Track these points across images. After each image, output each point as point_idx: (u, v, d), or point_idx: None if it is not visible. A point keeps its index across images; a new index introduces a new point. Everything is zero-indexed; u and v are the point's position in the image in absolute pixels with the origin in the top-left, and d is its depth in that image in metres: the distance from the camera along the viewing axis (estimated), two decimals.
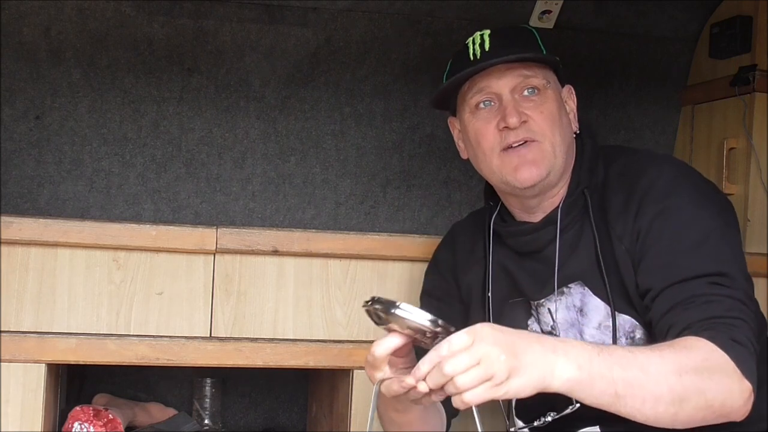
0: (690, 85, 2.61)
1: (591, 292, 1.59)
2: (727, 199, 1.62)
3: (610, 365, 1.32)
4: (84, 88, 2.36)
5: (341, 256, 1.93)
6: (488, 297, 1.69)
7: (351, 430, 1.94)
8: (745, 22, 2.37)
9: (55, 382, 1.92)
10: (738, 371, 1.36)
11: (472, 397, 1.26)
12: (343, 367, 1.94)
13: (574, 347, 1.32)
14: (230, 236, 1.87)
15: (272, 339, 1.90)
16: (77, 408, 2.00)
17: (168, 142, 2.43)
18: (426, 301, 1.81)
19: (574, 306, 1.61)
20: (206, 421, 2.32)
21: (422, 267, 1.95)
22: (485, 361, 1.25)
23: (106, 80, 2.36)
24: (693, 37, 2.58)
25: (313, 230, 1.96)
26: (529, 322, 1.67)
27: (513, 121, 1.56)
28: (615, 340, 1.56)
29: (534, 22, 2.47)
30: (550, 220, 1.62)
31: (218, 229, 1.87)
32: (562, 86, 1.66)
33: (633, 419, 1.35)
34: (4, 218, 1.79)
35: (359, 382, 1.93)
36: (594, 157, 1.63)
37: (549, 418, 1.61)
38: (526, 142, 1.58)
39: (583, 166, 1.62)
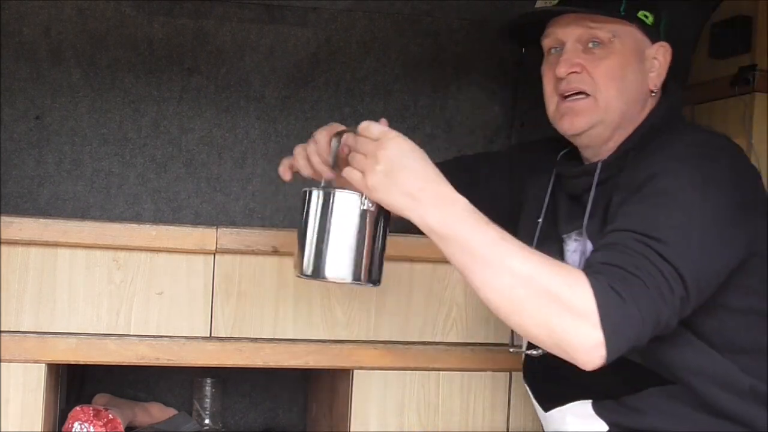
0: (690, 85, 2.60)
1: (589, 241, 1.61)
2: (746, 205, 1.53)
3: (473, 237, 1.37)
4: (84, 88, 2.36)
5: None
6: (539, 222, 1.73)
7: (351, 430, 1.94)
8: (745, 22, 2.37)
9: (55, 382, 1.92)
10: (597, 318, 1.34)
11: (346, 172, 1.43)
12: (343, 367, 1.94)
13: (454, 205, 1.39)
14: (230, 236, 1.87)
15: (272, 339, 1.90)
16: (77, 408, 2.01)
17: (168, 142, 2.43)
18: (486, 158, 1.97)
19: (584, 252, 1.63)
20: (206, 421, 2.32)
21: (422, 267, 1.95)
22: (367, 160, 1.40)
23: (106, 80, 2.37)
24: (693, 37, 2.58)
25: None
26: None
27: (561, 71, 1.61)
28: None
29: None
30: (587, 170, 1.65)
31: (218, 229, 1.87)
32: (655, 42, 1.64)
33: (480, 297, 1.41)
34: (4, 218, 1.78)
35: (359, 382, 1.93)
36: (657, 124, 1.63)
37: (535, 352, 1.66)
38: (579, 93, 1.61)
39: (640, 130, 1.63)
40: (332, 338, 1.93)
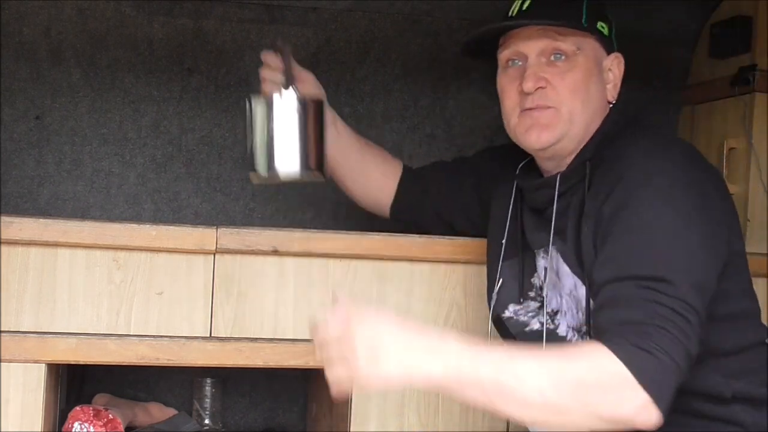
0: (690, 85, 2.61)
1: (561, 260, 1.60)
2: (718, 202, 1.55)
3: (482, 368, 1.32)
4: (84, 88, 2.35)
5: (341, 256, 1.93)
6: (503, 243, 1.73)
7: (351, 430, 1.94)
8: (745, 22, 2.37)
9: (55, 382, 1.92)
10: (633, 381, 1.32)
11: (330, 378, 1.35)
12: None
13: (447, 347, 1.33)
14: (230, 236, 1.87)
15: (272, 339, 1.90)
16: (77, 408, 2.01)
17: (168, 142, 2.42)
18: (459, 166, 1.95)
19: (553, 269, 1.63)
20: (206, 421, 2.32)
21: (422, 267, 1.95)
22: (345, 357, 1.32)
23: (106, 80, 2.36)
24: (693, 37, 2.58)
25: (313, 230, 1.96)
26: (534, 275, 1.69)
27: (528, 86, 1.59)
28: (588, 317, 1.56)
29: None
30: (547, 183, 1.64)
31: (218, 229, 1.87)
32: (609, 53, 1.66)
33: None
34: (4, 218, 1.78)
35: None
36: (611, 132, 1.62)
37: None
38: (541, 107, 1.61)
39: (594, 139, 1.62)
40: None
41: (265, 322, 1.90)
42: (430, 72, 2.53)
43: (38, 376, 1.79)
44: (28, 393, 1.79)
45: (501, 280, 1.73)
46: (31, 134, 2.33)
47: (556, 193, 1.62)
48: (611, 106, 1.67)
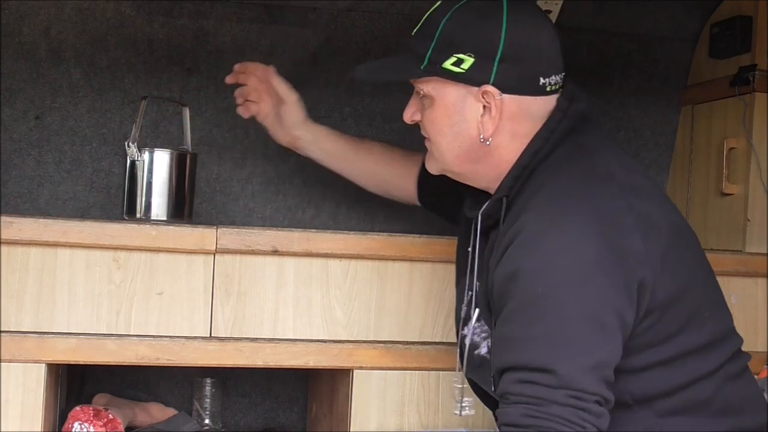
0: (690, 85, 2.61)
1: (477, 297, 1.62)
2: (630, 250, 1.42)
3: None
4: (84, 88, 2.35)
5: (341, 256, 1.93)
6: (468, 251, 1.67)
7: (351, 430, 1.94)
8: (745, 22, 2.37)
9: (55, 382, 1.92)
10: None
11: None
12: (343, 367, 1.94)
13: None
14: (230, 236, 1.87)
15: (272, 339, 1.90)
16: (77, 408, 2.01)
17: (168, 142, 2.42)
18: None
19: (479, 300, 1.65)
20: (206, 421, 2.32)
21: (422, 267, 1.95)
22: None
23: (106, 80, 2.36)
24: (693, 37, 2.58)
25: (313, 230, 1.96)
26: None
27: (405, 117, 1.67)
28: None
29: None
30: (472, 220, 1.64)
31: (218, 229, 1.87)
32: (480, 85, 1.53)
33: None
34: (4, 218, 1.79)
35: (359, 382, 1.93)
36: (530, 165, 1.54)
37: None
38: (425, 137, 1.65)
39: (512, 173, 1.55)
40: (332, 338, 1.93)
41: (265, 322, 1.90)
42: None
43: (38, 376, 1.79)
44: (28, 393, 1.79)
45: (470, 293, 1.68)
46: (31, 134, 2.33)
47: (479, 229, 1.60)
48: (535, 137, 1.55)
